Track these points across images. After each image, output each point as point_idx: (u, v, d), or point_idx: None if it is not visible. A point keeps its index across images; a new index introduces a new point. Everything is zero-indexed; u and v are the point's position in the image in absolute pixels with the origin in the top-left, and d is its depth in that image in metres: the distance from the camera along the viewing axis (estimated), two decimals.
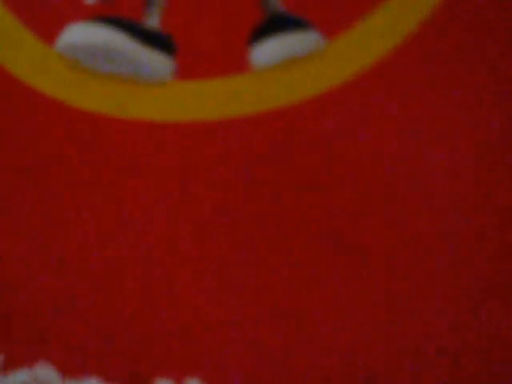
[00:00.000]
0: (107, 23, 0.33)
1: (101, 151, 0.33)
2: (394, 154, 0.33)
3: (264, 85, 0.33)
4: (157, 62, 0.33)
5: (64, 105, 0.34)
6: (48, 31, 0.34)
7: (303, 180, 0.32)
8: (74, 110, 0.33)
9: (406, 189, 0.32)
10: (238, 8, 0.33)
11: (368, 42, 0.33)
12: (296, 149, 0.33)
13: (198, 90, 0.33)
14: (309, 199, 0.32)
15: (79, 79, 0.34)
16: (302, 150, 0.33)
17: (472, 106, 0.33)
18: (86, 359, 0.32)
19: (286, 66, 0.33)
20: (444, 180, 0.32)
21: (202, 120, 0.33)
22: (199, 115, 0.33)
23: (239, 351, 0.32)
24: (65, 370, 0.32)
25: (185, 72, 0.34)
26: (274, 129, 0.33)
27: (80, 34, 0.33)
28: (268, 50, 0.33)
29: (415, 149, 0.33)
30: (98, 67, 0.34)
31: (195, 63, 0.33)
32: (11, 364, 0.33)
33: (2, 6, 0.34)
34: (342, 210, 0.32)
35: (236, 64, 0.33)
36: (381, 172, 0.32)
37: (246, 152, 0.33)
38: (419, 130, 0.33)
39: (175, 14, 0.34)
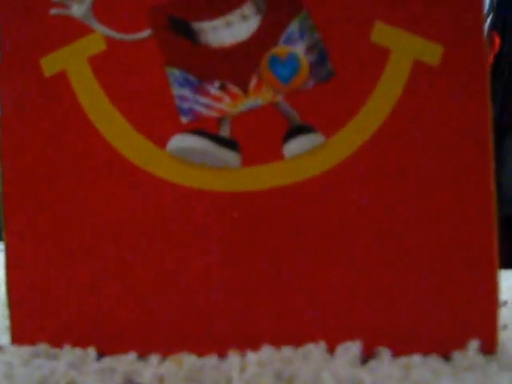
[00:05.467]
0: (198, 134, 0.55)
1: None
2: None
3: (295, 166, 0.55)
4: (228, 156, 0.55)
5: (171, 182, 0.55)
6: (160, 137, 0.56)
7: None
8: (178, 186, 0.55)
9: None
10: (274, 120, 0.55)
11: (350, 139, 0.55)
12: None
13: (256, 172, 0.55)
14: None
15: (182, 166, 0.55)
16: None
17: None
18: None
19: (304, 155, 0.55)
20: None
21: (256, 190, 0.54)
22: (252, 186, 0.54)
23: None
24: None
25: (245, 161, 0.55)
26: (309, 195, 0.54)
27: (183, 141, 0.55)
28: (296, 146, 0.54)
29: None
30: (195, 160, 0.55)
31: (249, 157, 0.55)
32: None
33: (124, 121, 0.55)
34: None
35: (275, 154, 0.55)
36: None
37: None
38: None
39: (237, 127, 0.55)
